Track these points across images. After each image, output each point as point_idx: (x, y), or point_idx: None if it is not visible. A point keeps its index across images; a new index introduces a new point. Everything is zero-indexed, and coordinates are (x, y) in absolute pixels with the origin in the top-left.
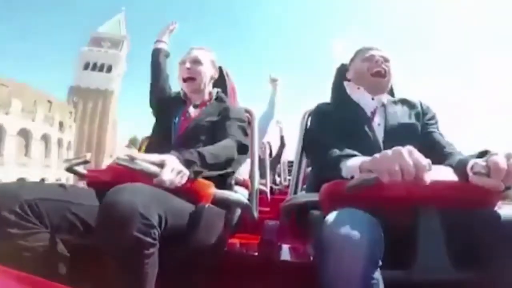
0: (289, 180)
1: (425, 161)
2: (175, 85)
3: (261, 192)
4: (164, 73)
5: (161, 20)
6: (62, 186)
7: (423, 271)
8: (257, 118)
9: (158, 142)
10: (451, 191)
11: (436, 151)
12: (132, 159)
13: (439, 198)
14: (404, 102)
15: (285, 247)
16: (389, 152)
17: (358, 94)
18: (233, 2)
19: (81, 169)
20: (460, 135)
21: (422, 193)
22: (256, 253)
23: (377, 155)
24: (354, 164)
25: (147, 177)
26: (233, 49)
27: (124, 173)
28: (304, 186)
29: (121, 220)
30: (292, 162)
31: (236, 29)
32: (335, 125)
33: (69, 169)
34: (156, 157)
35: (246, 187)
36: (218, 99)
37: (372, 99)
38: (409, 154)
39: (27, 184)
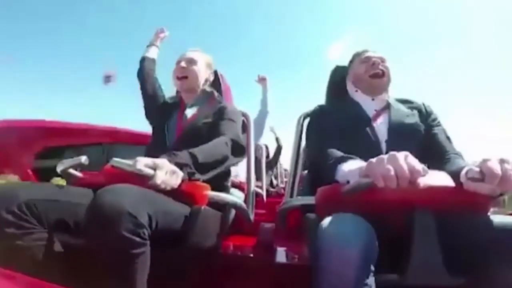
0: (286, 182)
1: (419, 166)
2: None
3: (257, 194)
4: (151, 80)
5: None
6: (60, 186)
7: (417, 276)
8: (252, 120)
9: (155, 147)
10: (446, 196)
11: (438, 155)
12: (126, 162)
13: (434, 202)
14: (407, 102)
15: (281, 250)
16: (384, 157)
17: (357, 97)
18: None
19: (75, 171)
20: None
21: (417, 197)
22: (252, 255)
23: (373, 160)
24: (349, 168)
25: (142, 180)
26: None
27: (118, 176)
28: (301, 188)
29: (109, 220)
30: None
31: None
32: (335, 127)
33: (64, 172)
34: (148, 160)
35: (243, 189)
36: (214, 100)
37: (372, 99)
38: (405, 159)
39: (24, 184)
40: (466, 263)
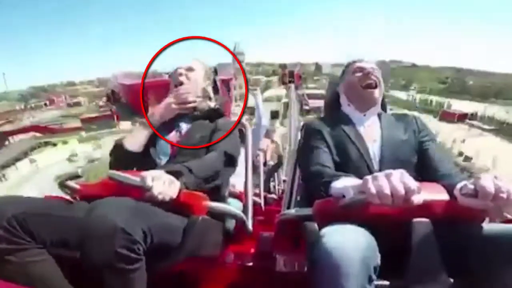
0: (284, 180)
1: (414, 185)
2: None
3: (255, 203)
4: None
5: None
6: (52, 200)
7: (416, 281)
8: (250, 131)
9: (147, 161)
10: (441, 209)
11: (431, 170)
12: (123, 174)
13: (429, 215)
14: (399, 118)
15: (280, 258)
16: (380, 175)
17: (350, 112)
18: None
19: (73, 183)
20: None
21: (413, 211)
22: (252, 264)
23: (368, 177)
24: (343, 185)
25: (140, 191)
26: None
27: (116, 188)
28: (300, 196)
29: (103, 237)
30: None
31: None
32: (328, 142)
33: (62, 184)
34: (145, 172)
35: (241, 199)
36: (211, 112)
37: (364, 115)
38: (400, 177)
39: (13, 198)
40: (463, 267)
